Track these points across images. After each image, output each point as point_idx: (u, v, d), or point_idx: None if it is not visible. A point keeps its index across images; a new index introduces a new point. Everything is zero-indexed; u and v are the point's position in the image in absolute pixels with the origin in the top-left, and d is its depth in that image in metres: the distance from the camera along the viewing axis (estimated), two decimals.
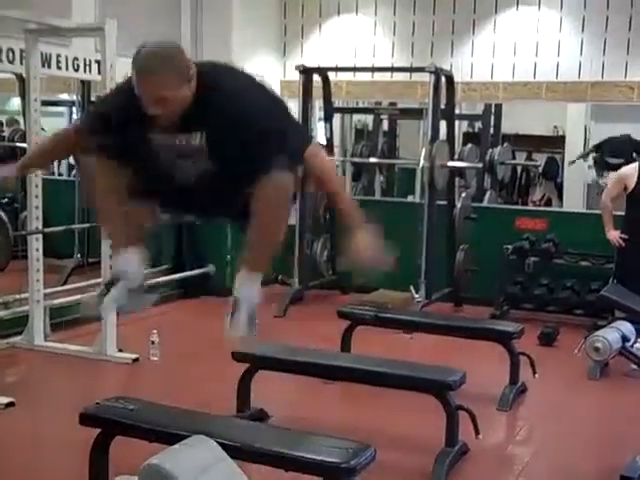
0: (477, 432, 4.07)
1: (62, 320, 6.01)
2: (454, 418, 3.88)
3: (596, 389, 5.24)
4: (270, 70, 8.02)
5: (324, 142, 7.72)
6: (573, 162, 9.26)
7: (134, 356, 5.41)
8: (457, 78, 7.26)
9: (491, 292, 6.97)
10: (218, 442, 2.65)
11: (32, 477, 3.72)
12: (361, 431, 3.82)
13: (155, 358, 5.43)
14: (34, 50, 5.44)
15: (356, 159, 9.05)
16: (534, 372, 5.19)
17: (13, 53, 5.59)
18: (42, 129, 5.71)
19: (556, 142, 10.19)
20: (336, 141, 8.49)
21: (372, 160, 8.91)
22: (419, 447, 4.07)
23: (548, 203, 10.27)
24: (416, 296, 6.79)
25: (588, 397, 5.11)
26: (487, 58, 7.43)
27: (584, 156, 9.19)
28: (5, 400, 4.45)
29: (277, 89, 8.13)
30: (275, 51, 8.09)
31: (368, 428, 4.12)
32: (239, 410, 4.20)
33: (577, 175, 9.86)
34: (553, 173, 10.53)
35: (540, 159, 10.50)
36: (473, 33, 7.48)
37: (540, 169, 10.58)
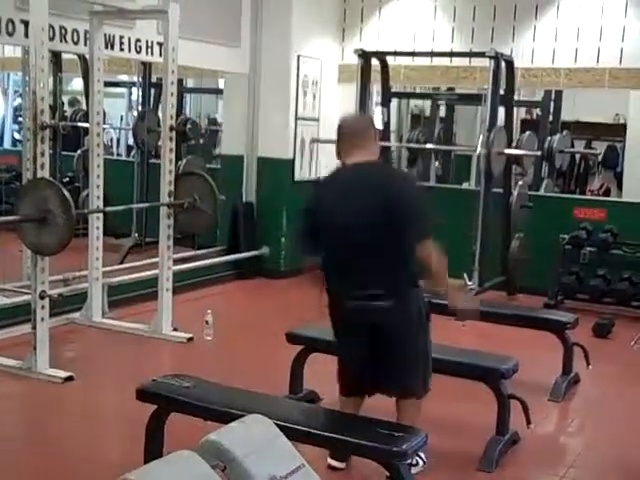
0: (529, 422, 4.06)
1: (119, 298, 6.13)
2: (506, 407, 3.87)
3: None
4: (328, 54, 8.01)
5: (381, 127, 7.70)
6: None
7: (189, 335, 5.50)
8: (518, 63, 7.17)
9: (545, 282, 6.89)
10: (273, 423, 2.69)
11: (89, 449, 3.83)
12: None
13: (209, 338, 5.52)
14: (98, 31, 5.53)
15: (412, 145, 9.01)
16: (588, 363, 5.15)
17: (78, 34, 5.70)
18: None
19: (617, 130, 9.98)
20: (392, 126, 8.45)
21: (428, 146, 8.87)
22: (470, 434, 4.07)
23: (607, 193, 10.08)
24: (469, 283, 6.74)
25: None
26: (549, 43, 7.30)
27: None
28: (64, 374, 4.57)
29: (335, 73, 8.13)
30: (334, 35, 8.07)
31: None
32: (291, 391, 4.25)
33: (638, 164, 9.65)
34: (613, 162, 10.33)
35: (600, 147, 10.31)
36: (535, 17, 7.35)
37: (599, 158, 10.39)
